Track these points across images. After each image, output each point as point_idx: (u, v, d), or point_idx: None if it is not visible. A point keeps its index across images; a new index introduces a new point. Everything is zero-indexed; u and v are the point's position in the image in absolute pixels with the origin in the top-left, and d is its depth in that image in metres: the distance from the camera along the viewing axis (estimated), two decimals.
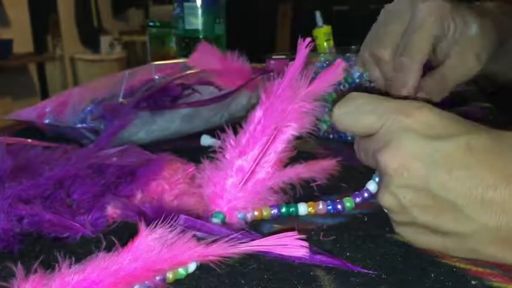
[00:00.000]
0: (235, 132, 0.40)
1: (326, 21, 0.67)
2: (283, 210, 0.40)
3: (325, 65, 0.60)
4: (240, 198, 0.38)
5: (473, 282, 0.30)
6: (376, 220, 0.39)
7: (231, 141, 0.40)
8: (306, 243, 0.31)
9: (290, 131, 0.39)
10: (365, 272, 0.31)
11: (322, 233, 0.37)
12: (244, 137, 0.39)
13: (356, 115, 0.34)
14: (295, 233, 0.31)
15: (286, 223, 0.39)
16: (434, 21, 0.47)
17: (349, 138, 0.61)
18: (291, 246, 0.31)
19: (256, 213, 0.39)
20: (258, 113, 0.39)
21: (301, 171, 0.42)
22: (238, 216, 0.38)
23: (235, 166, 0.39)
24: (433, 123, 0.31)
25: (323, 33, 0.66)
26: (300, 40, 0.39)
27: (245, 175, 0.39)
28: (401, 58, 0.48)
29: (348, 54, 0.61)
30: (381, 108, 0.33)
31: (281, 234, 0.31)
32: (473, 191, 0.29)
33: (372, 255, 0.34)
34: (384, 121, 0.32)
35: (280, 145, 0.39)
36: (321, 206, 0.40)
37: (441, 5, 0.47)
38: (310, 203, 0.41)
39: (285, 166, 0.41)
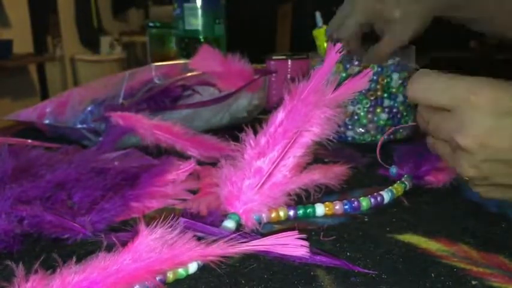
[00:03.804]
0: (255, 132, 0.39)
1: (326, 22, 0.67)
2: (300, 211, 0.40)
3: None
4: (256, 201, 0.37)
5: (473, 282, 0.30)
6: (376, 220, 0.39)
7: (251, 141, 0.39)
8: (306, 243, 0.31)
9: (310, 136, 0.38)
10: (365, 272, 0.31)
11: (322, 233, 0.37)
12: (264, 138, 0.38)
13: (429, 92, 0.37)
14: (295, 232, 0.31)
15: (286, 223, 0.39)
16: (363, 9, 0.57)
17: (349, 138, 0.61)
18: (291, 246, 0.31)
19: (273, 215, 0.39)
20: (280, 115, 0.38)
21: (316, 177, 0.42)
22: (254, 218, 0.37)
23: (253, 167, 0.38)
24: (501, 96, 0.33)
25: (323, 33, 0.66)
26: (329, 45, 0.38)
27: (263, 177, 0.37)
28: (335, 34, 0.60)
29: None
30: (451, 87, 0.35)
31: (281, 234, 0.32)
32: None
33: (372, 255, 0.34)
34: (455, 102, 0.35)
35: (299, 149, 0.38)
36: (337, 207, 0.40)
37: None
38: (327, 203, 0.40)
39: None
